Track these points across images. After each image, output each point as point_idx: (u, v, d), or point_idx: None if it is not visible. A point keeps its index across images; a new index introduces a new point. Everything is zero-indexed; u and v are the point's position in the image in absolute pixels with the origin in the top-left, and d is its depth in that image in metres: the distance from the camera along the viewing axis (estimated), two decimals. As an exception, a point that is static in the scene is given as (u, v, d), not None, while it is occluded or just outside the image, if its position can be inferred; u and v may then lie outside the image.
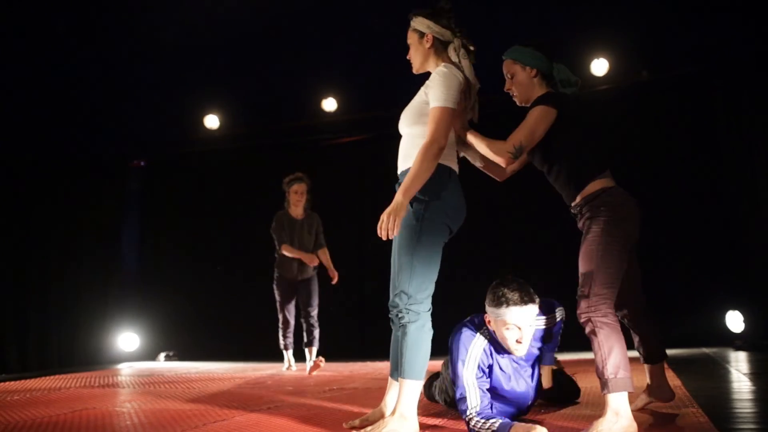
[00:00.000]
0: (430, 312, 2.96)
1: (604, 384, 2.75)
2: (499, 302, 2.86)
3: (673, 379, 4.34)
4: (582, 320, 2.86)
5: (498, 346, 3.00)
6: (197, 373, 6.58)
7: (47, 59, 6.97)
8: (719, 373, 5.01)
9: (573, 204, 3.12)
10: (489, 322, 2.96)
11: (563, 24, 6.64)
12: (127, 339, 8.78)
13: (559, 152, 3.11)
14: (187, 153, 9.23)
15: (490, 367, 3.01)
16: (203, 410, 3.82)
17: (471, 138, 3.11)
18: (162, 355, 8.71)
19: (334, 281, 6.46)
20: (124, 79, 7.59)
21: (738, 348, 6.56)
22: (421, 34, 3.18)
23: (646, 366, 3.44)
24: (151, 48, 7.05)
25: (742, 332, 6.79)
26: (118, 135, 8.69)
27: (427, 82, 3.09)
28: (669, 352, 6.61)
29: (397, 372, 3.11)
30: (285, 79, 7.83)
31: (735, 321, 6.85)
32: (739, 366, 5.33)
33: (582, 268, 2.92)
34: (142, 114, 8.31)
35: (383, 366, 6.65)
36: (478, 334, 3.01)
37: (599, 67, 7.23)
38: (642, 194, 7.41)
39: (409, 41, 3.23)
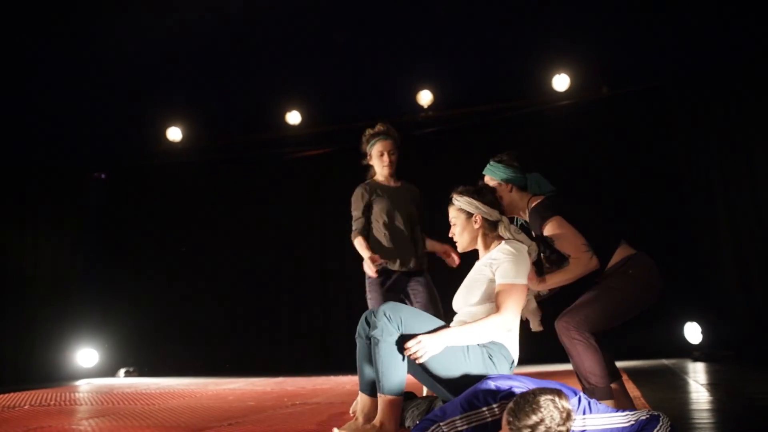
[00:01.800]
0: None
1: (590, 392, 2.90)
2: (526, 425, 2.27)
3: (633, 390, 4.39)
4: (564, 329, 3.07)
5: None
6: (158, 389, 6.47)
7: (4, 69, 6.84)
8: (678, 384, 5.08)
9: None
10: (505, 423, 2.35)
11: (525, 39, 6.73)
12: (85, 355, 8.61)
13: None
14: (149, 165, 9.13)
15: None
16: (162, 428, 3.76)
17: (547, 281, 3.23)
18: (122, 371, 8.56)
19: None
20: (84, 90, 7.49)
21: (696, 359, 6.67)
22: (469, 215, 3.28)
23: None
24: (112, 59, 6.97)
25: (700, 343, 6.91)
26: (78, 147, 8.56)
27: (491, 261, 3.16)
28: (629, 363, 6.72)
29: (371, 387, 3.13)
30: (249, 92, 7.79)
31: (693, 332, 6.97)
32: (697, 377, 5.42)
33: (589, 300, 3.16)
34: (103, 125, 8.20)
35: (346, 380, 6.62)
36: (486, 409, 2.58)
37: (561, 82, 7.33)
38: (602, 207, 7.57)
39: (453, 220, 3.35)
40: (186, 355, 8.60)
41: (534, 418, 2.25)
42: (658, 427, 2.52)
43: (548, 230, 3.22)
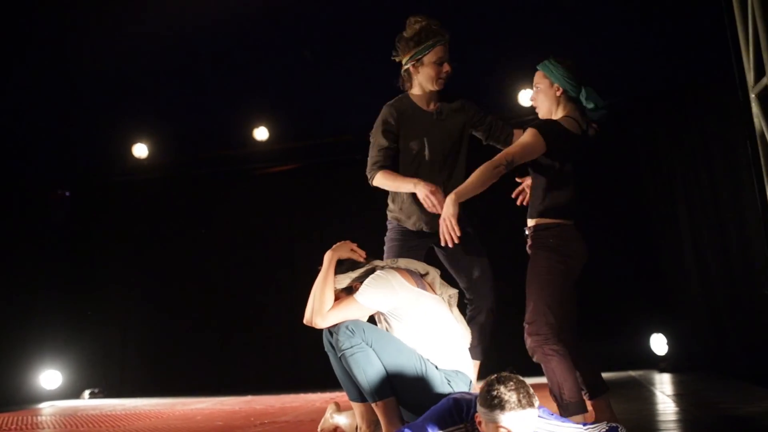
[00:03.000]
0: None
1: (564, 408, 2.92)
2: (492, 404, 2.38)
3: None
4: (532, 352, 3.06)
5: None
6: (123, 411, 6.36)
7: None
8: (645, 395, 5.14)
9: (528, 225, 3.24)
10: (480, 422, 2.48)
11: (490, 53, 6.78)
12: (49, 377, 8.43)
13: (540, 178, 3.25)
14: (115, 182, 9.02)
15: None
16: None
17: (459, 193, 3.06)
18: (86, 393, 8.39)
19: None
20: (48, 106, 7.39)
21: (662, 370, 6.74)
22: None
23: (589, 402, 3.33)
24: (77, 75, 6.90)
25: (666, 354, 6.99)
26: (41, 163, 8.43)
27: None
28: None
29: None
30: (216, 107, 7.75)
31: (659, 344, 7.05)
32: (663, 388, 5.48)
33: (529, 297, 3.10)
34: (67, 142, 8.09)
35: (315, 398, 6.57)
36: (460, 427, 2.57)
37: (526, 97, 7.40)
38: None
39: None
40: (153, 374, 8.47)
41: (500, 390, 2.33)
42: None
43: (528, 131, 3.20)
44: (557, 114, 3.36)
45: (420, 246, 3.67)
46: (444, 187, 3.39)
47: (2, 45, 6.33)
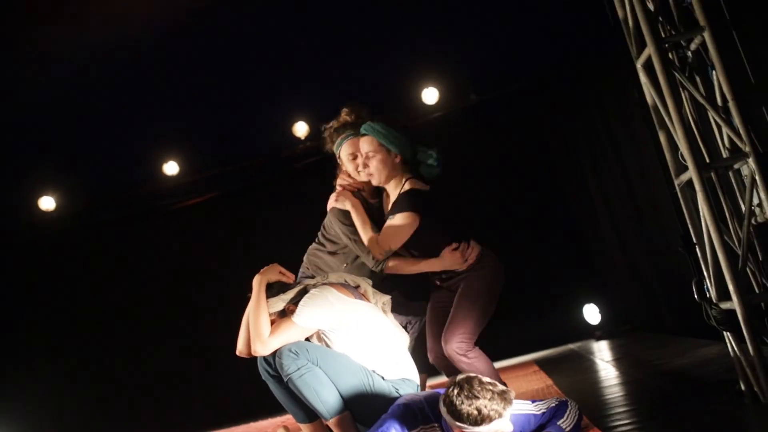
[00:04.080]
0: None
1: None
2: (447, 410, 2.41)
3: (545, 380, 4.55)
4: (458, 354, 3.15)
5: None
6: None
7: None
8: (586, 365, 5.30)
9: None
10: (443, 413, 2.47)
11: (392, 56, 6.86)
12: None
13: (430, 243, 3.31)
14: (23, 240, 8.65)
15: None
16: None
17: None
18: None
19: None
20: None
21: (599, 338, 6.96)
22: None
23: None
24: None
25: (600, 323, 7.23)
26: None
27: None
28: (538, 354, 6.93)
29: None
30: (119, 147, 7.55)
31: (592, 314, 7.28)
32: (602, 355, 5.66)
33: (466, 309, 3.23)
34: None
35: (266, 424, 6.49)
36: (422, 428, 2.59)
37: (430, 96, 7.51)
38: (485, 210, 7.80)
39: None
40: (109, 424, 8.18)
41: (476, 404, 2.35)
42: (567, 412, 2.64)
43: (400, 215, 3.21)
44: (399, 180, 3.31)
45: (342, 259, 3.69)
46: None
47: None
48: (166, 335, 8.35)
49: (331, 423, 2.89)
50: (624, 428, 2.65)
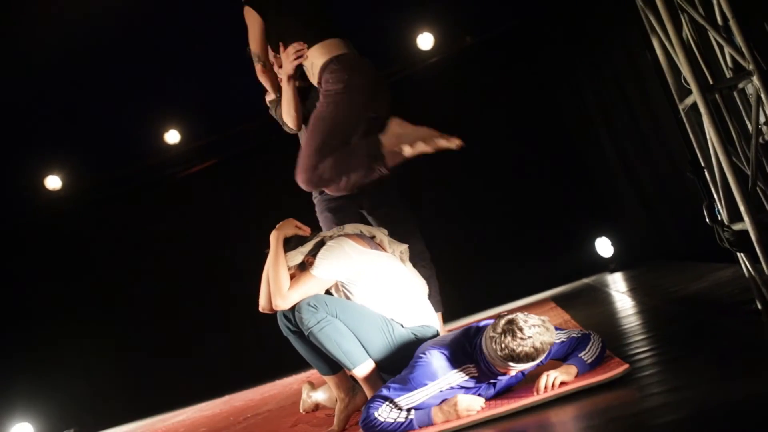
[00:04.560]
0: None
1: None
2: (503, 356, 2.46)
3: (563, 315, 4.58)
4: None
5: (470, 389, 2.64)
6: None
7: None
8: (602, 298, 5.34)
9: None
10: (488, 356, 2.54)
11: (384, 1, 6.76)
12: (20, 430, 8.21)
13: None
14: (37, 221, 8.71)
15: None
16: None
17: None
18: (63, 435, 8.22)
19: None
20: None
21: (613, 270, 6.99)
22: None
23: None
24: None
25: (613, 255, 7.25)
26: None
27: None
28: (553, 291, 6.98)
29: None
30: (120, 120, 7.54)
31: (604, 247, 7.30)
32: (617, 286, 5.70)
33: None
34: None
35: (291, 380, 6.60)
36: (457, 371, 2.63)
37: (425, 41, 7.42)
38: (490, 154, 7.77)
39: None
40: (124, 400, 8.34)
41: (530, 343, 2.42)
42: (590, 344, 2.66)
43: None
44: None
45: (349, 209, 3.72)
46: None
47: None
48: (185, 299, 8.45)
49: (354, 373, 2.94)
50: (644, 356, 2.67)
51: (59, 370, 8.54)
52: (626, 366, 2.45)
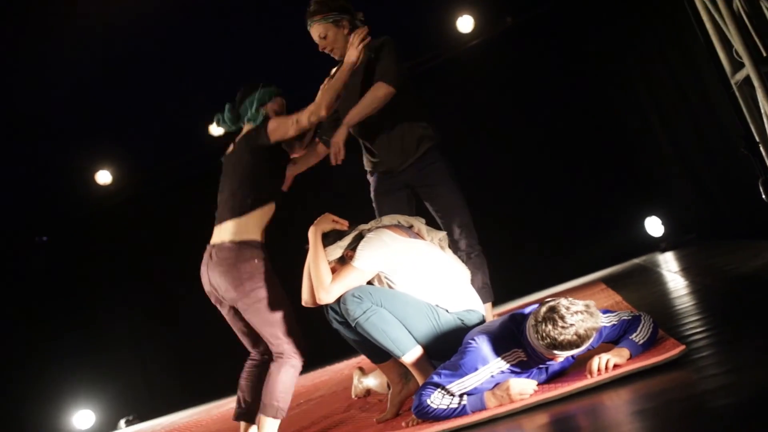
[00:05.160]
0: None
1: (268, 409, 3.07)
2: (545, 345, 2.44)
3: (614, 296, 4.53)
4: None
5: (521, 373, 2.62)
6: (163, 429, 6.43)
7: None
8: (653, 278, 5.26)
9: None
10: (533, 343, 2.52)
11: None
12: (81, 417, 8.47)
13: None
14: (87, 215, 8.93)
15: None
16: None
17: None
18: (122, 422, 8.45)
19: None
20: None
21: (664, 250, 6.87)
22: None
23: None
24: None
25: (664, 234, 7.12)
26: (7, 215, 8.32)
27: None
28: (603, 272, 6.89)
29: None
30: (165, 112, 7.67)
31: (654, 226, 7.18)
32: (668, 266, 5.60)
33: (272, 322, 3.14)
34: (28, 189, 7.99)
35: (341, 366, 6.66)
36: (507, 356, 2.62)
37: (465, 24, 7.36)
38: (537, 134, 7.68)
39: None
40: (180, 387, 8.52)
41: (573, 330, 2.38)
42: (641, 325, 2.62)
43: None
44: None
45: (397, 188, 3.72)
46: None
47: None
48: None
49: (404, 360, 2.95)
50: (698, 336, 2.62)
51: (118, 359, 8.78)
52: (682, 347, 2.41)
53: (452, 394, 2.59)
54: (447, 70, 7.83)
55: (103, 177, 8.34)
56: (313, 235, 3.08)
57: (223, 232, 3.24)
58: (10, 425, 7.95)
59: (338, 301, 2.97)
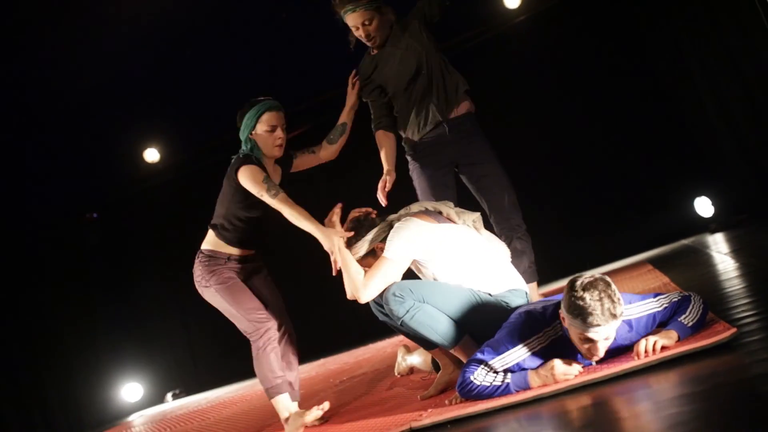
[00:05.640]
0: None
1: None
2: (575, 312, 2.42)
3: (661, 277, 4.46)
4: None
5: (564, 348, 2.61)
6: (208, 403, 6.56)
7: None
8: (702, 259, 5.15)
9: None
10: (563, 319, 2.54)
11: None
12: (130, 390, 8.70)
13: None
14: (136, 192, 9.09)
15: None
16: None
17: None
18: (169, 395, 8.65)
19: None
20: (41, 136, 7.47)
21: (713, 231, 6.71)
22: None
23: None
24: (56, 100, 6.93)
25: (714, 215, 6.96)
26: (56, 193, 8.52)
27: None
28: (650, 253, 6.78)
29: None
30: (211, 90, 7.72)
31: (704, 206, 7.01)
32: (718, 248, 5.48)
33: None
34: (76, 166, 8.16)
35: (384, 344, 6.69)
36: (549, 329, 2.63)
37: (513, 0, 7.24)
38: (585, 112, 7.54)
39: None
40: (224, 362, 8.66)
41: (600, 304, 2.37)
42: (690, 306, 2.57)
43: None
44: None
45: (443, 173, 3.71)
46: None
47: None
48: (280, 269, 8.63)
49: (454, 351, 2.96)
50: (750, 319, 2.57)
51: (166, 334, 8.97)
52: (733, 330, 2.36)
53: (496, 372, 2.59)
54: (492, 46, 7.72)
55: (151, 155, 8.48)
56: (333, 246, 3.08)
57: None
58: (63, 397, 8.20)
59: (380, 300, 2.96)
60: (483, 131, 3.77)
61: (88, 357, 8.56)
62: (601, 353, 2.49)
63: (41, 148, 7.70)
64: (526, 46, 7.59)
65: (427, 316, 2.88)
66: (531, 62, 7.59)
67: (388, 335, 7.05)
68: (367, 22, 3.55)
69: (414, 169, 3.84)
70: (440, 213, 3.11)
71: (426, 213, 3.08)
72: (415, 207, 3.16)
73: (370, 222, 3.13)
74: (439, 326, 2.89)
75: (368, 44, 3.70)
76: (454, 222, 3.09)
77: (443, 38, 7.34)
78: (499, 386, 2.57)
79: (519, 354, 2.60)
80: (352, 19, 3.58)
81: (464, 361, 2.94)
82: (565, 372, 2.51)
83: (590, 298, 2.38)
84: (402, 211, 3.15)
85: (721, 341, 2.31)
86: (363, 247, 3.07)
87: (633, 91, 7.35)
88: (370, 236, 3.07)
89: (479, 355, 2.64)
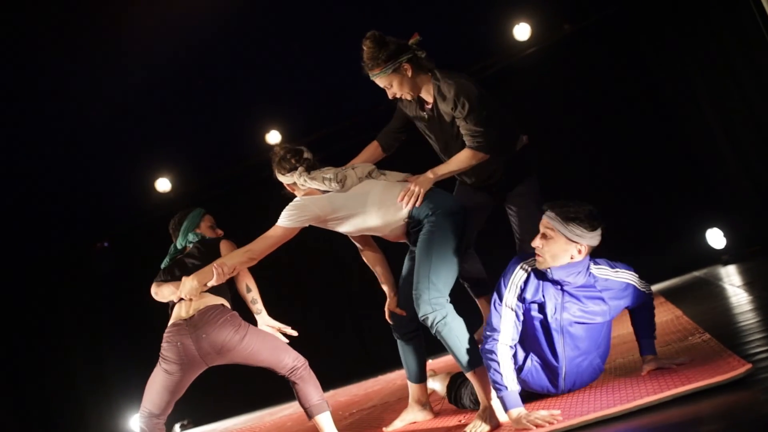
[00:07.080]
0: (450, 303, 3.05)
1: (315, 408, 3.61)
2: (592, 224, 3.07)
3: (673, 310, 4.42)
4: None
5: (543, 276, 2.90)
6: (216, 434, 6.51)
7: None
8: (715, 292, 5.10)
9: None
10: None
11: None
12: (137, 421, 8.63)
13: None
14: (146, 222, 9.12)
15: (542, 304, 2.89)
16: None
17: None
18: (177, 427, 8.59)
19: None
20: (58, 166, 7.54)
21: (726, 263, 6.67)
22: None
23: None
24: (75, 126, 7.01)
25: (726, 247, 6.90)
26: (69, 223, 8.57)
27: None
28: (662, 285, 6.73)
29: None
30: (222, 122, 7.80)
31: (716, 238, 6.97)
32: (731, 280, 5.43)
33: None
34: (88, 195, 8.22)
35: (394, 376, 6.64)
36: (525, 263, 2.97)
37: (522, 32, 7.30)
38: (595, 143, 7.54)
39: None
40: (233, 394, 8.61)
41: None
42: (653, 318, 3.07)
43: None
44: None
45: (483, 203, 3.71)
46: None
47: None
48: (288, 300, 8.63)
49: (475, 374, 2.97)
50: (765, 354, 2.53)
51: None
52: (748, 366, 2.33)
53: (502, 374, 2.72)
54: (503, 77, 7.77)
55: (163, 185, 8.53)
56: (197, 285, 3.64)
57: None
58: (74, 425, 8.17)
59: (403, 318, 3.32)
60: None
61: (98, 385, 8.54)
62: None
63: (53, 177, 7.77)
64: (536, 78, 7.64)
65: (463, 330, 2.97)
66: (541, 94, 7.62)
67: (397, 367, 6.99)
68: (389, 86, 3.44)
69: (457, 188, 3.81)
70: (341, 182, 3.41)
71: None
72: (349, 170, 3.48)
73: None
74: (467, 342, 2.95)
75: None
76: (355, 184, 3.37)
77: (454, 69, 7.46)
78: (500, 386, 2.71)
79: (519, 276, 2.91)
80: (378, 83, 3.50)
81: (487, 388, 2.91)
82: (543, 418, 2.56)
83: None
84: (342, 168, 3.52)
85: (736, 377, 2.28)
86: (299, 179, 3.55)
87: (643, 123, 7.36)
88: (305, 178, 3.52)
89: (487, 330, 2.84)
